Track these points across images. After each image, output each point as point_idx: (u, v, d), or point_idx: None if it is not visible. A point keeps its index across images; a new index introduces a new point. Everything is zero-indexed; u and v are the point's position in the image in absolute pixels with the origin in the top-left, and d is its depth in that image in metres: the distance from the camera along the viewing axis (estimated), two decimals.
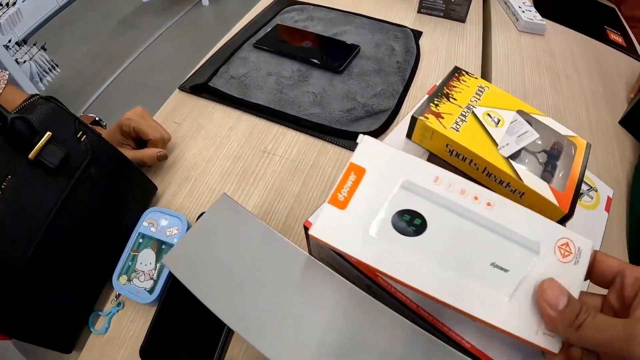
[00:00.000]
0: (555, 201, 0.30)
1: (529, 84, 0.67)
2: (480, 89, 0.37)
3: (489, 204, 0.26)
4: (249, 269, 0.28)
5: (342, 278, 0.27)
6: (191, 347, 0.37)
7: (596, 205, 0.39)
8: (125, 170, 0.43)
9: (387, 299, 0.30)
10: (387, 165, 0.28)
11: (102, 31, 1.93)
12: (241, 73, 0.58)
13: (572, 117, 0.63)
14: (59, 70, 1.63)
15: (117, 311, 0.40)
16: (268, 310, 0.26)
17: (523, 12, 0.77)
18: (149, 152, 0.47)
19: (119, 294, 0.41)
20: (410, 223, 0.26)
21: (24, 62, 1.53)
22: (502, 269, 0.24)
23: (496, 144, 0.33)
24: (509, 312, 0.24)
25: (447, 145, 0.34)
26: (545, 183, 0.31)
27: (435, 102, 0.35)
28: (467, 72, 0.38)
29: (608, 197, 0.40)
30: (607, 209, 0.39)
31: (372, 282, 0.30)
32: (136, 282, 0.40)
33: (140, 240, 0.42)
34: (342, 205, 0.27)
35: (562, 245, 0.25)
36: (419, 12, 0.75)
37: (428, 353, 0.24)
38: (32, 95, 0.34)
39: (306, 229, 0.32)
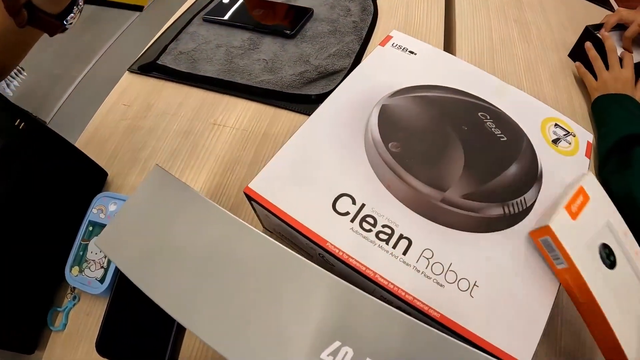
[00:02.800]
0: None
1: (496, 36, 0.65)
2: None
3: None
4: (188, 248, 0.26)
5: (295, 254, 0.24)
6: (146, 334, 0.35)
7: (575, 150, 0.35)
8: (70, 156, 0.41)
9: (338, 265, 0.28)
10: (601, 205, 0.31)
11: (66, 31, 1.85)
12: (190, 48, 0.55)
13: (545, 66, 0.61)
14: (25, 74, 1.57)
15: (74, 305, 0.39)
16: (213, 294, 0.24)
17: None
18: None
19: (74, 287, 0.39)
20: (608, 256, 0.29)
21: None
22: None
23: None
24: None
25: None
26: None
27: None
28: None
29: (588, 142, 0.36)
30: (588, 154, 0.35)
31: (324, 251, 0.28)
32: (87, 272, 0.38)
33: (90, 229, 0.40)
34: (573, 216, 0.29)
35: None
36: None
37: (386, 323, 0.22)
38: None
39: (246, 195, 0.30)
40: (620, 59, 0.54)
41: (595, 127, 0.53)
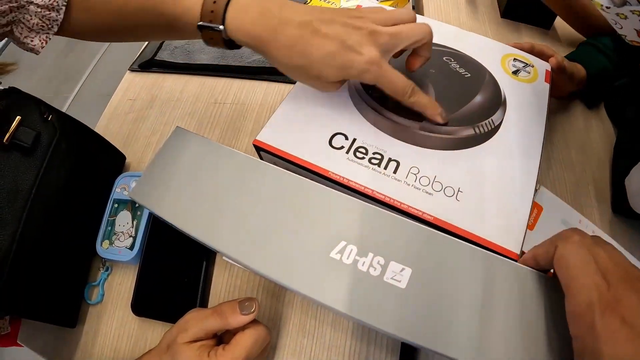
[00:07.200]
0: None
1: None
2: None
3: None
4: (215, 188, 0.30)
5: (303, 178, 0.29)
6: (176, 289, 0.38)
7: (535, 78, 0.40)
8: (94, 141, 0.45)
9: (343, 191, 0.32)
10: (555, 209, 0.40)
11: (53, 51, 1.87)
12: (183, 42, 0.60)
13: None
14: None
15: (107, 276, 0.42)
16: (244, 222, 0.28)
17: None
18: None
19: (105, 260, 0.43)
20: None
21: None
22: None
23: None
24: None
25: None
26: None
27: None
28: None
29: (547, 70, 0.41)
30: (548, 79, 0.40)
31: (328, 181, 0.32)
32: (117, 243, 0.42)
33: (116, 206, 0.44)
34: (530, 227, 0.37)
35: None
36: None
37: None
38: None
39: (255, 146, 0.35)
40: None
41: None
